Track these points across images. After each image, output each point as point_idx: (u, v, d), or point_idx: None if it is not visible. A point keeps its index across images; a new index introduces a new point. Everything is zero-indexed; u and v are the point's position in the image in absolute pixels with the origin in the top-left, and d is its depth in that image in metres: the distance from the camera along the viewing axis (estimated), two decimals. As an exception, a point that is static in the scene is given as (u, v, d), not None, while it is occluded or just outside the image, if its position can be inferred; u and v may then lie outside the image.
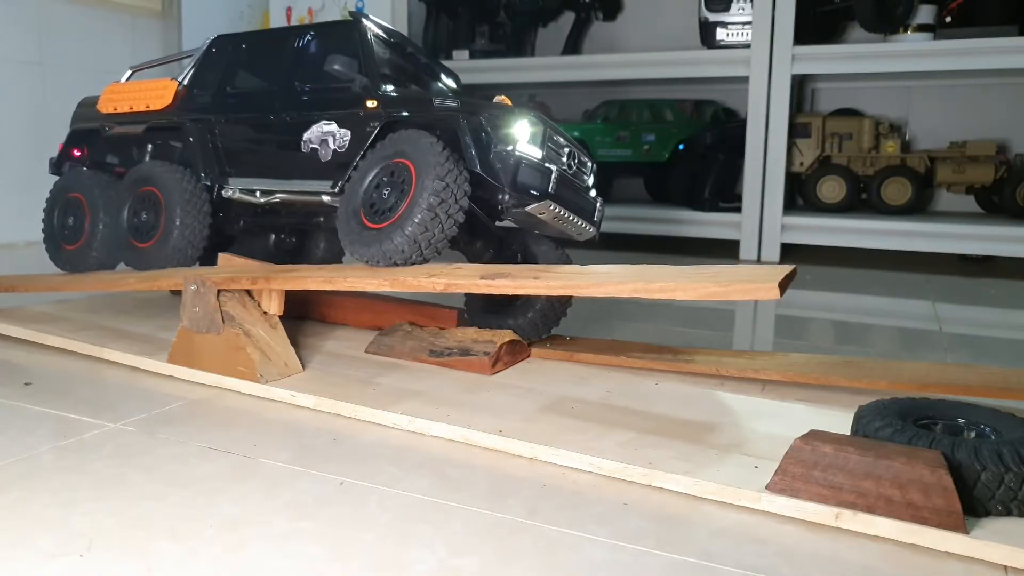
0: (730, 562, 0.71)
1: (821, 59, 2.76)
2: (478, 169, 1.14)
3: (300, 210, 1.39)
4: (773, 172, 2.84)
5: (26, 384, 1.12)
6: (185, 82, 1.49)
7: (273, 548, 0.70)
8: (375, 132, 1.24)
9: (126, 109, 1.52)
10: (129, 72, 1.63)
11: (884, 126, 2.97)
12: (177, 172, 1.38)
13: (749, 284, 0.80)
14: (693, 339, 1.62)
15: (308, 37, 1.38)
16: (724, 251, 2.95)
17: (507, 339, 1.24)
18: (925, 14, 2.71)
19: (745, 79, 2.84)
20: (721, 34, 2.89)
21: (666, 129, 3.14)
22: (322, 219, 1.40)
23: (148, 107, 1.49)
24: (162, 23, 3.08)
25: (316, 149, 1.29)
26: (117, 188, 1.48)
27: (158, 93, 1.49)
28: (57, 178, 1.59)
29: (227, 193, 1.40)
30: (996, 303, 2.22)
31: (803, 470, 0.80)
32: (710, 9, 2.89)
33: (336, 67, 1.25)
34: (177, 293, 1.56)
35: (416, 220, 1.10)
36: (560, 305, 1.34)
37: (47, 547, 0.69)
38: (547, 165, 1.16)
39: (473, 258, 1.35)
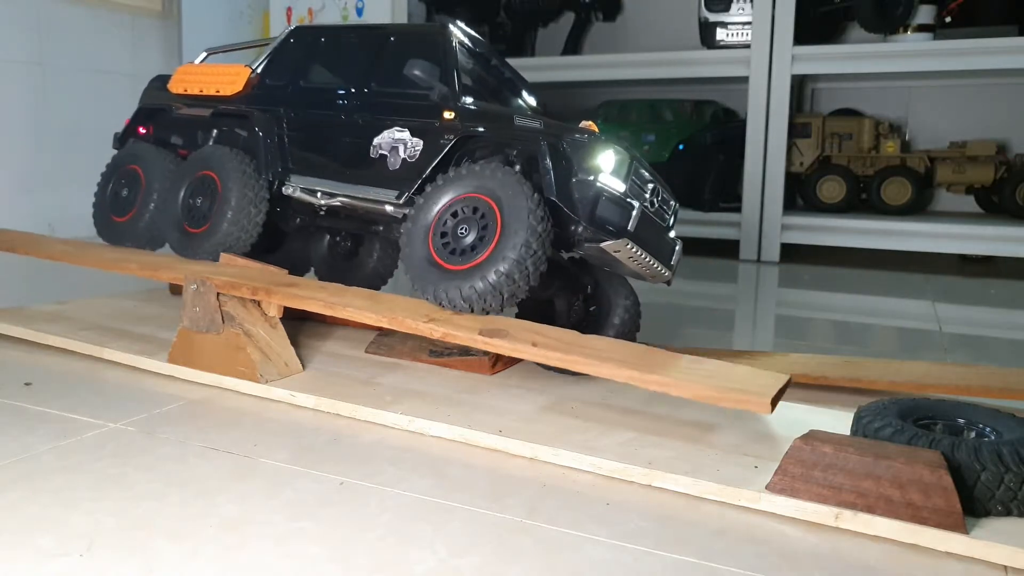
0: (730, 562, 0.71)
1: (821, 59, 2.76)
2: (554, 197, 1.07)
3: (360, 216, 1.33)
4: (773, 172, 2.84)
5: (26, 384, 1.12)
6: (258, 70, 1.43)
7: (273, 548, 0.70)
8: (449, 146, 1.17)
9: (196, 91, 1.47)
10: (204, 54, 1.57)
11: (884, 126, 2.97)
12: (240, 160, 1.34)
13: (742, 395, 0.82)
14: (693, 339, 1.62)
15: (391, 38, 1.32)
16: (724, 251, 2.95)
17: (507, 339, 1.24)
18: (925, 14, 2.71)
19: (745, 79, 2.84)
20: (721, 34, 2.89)
21: (666, 129, 3.14)
22: (381, 228, 1.34)
23: (218, 92, 1.44)
24: (162, 23, 3.08)
25: (385, 156, 1.24)
26: (178, 167, 1.43)
27: (230, 79, 1.43)
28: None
29: (288, 191, 1.34)
30: (996, 303, 2.22)
31: (803, 470, 0.80)
32: (710, 9, 2.89)
33: (416, 72, 1.18)
34: (177, 292, 1.56)
35: (503, 269, 1.03)
36: (633, 328, 1.25)
37: (47, 547, 0.69)
38: (629, 200, 1.09)
39: (539, 288, 1.20)
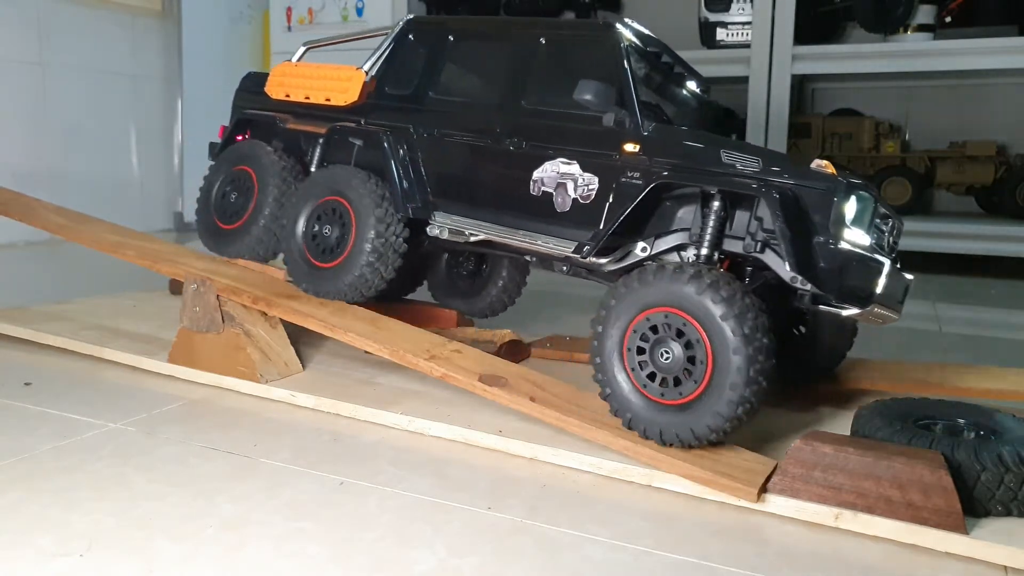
0: (730, 562, 0.71)
1: (821, 59, 2.76)
2: (794, 272, 0.85)
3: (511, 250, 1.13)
4: (773, 172, 2.83)
5: (26, 384, 1.12)
6: (373, 73, 1.23)
7: (273, 548, 0.70)
8: (645, 192, 0.93)
9: (301, 98, 1.28)
10: (303, 49, 1.37)
11: (884, 126, 2.97)
12: (378, 189, 1.15)
13: (731, 482, 0.82)
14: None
15: (541, 40, 1.09)
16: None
17: (507, 339, 1.24)
18: (925, 14, 2.71)
19: (745, 79, 2.84)
20: (721, 34, 2.89)
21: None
22: (533, 259, 1.12)
23: (328, 100, 1.24)
24: (162, 23, 3.08)
25: (550, 194, 1.04)
26: (298, 178, 1.28)
27: (342, 85, 1.23)
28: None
29: (433, 231, 1.13)
30: (996, 303, 2.22)
31: (803, 470, 0.80)
32: (710, 9, 2.89)
33: (587, 97, 0.96)
34: (177, 292, 1.55)
35: (725, 411, 0.82)
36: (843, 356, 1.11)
37: (47, 547, 0.69)
38: (878, 259, 0.89)
39: None
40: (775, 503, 0.80)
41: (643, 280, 0.88)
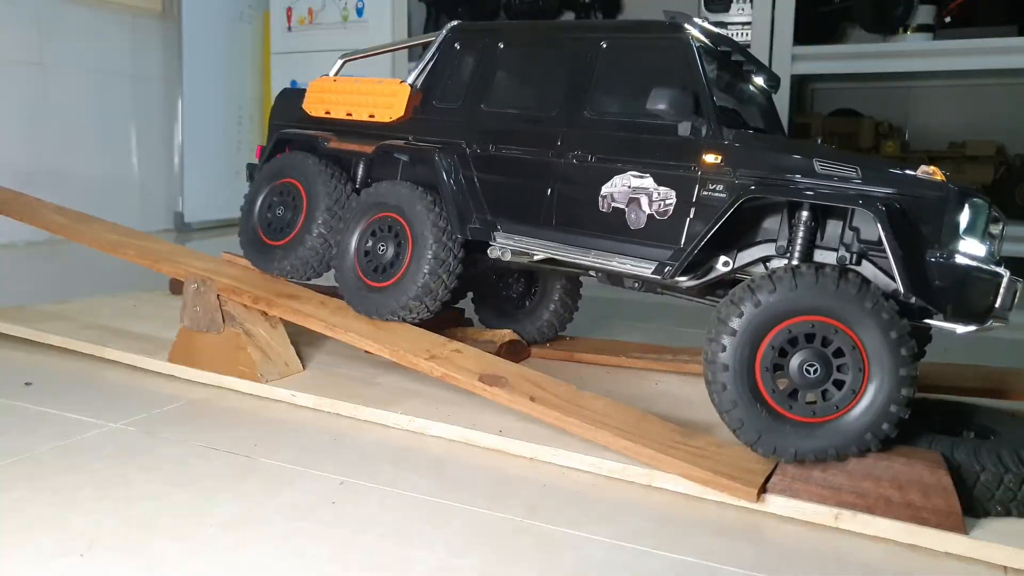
0: (730, 562, 0.71)
1: (821, 59, 2.76)
2: (909, 292, 0.79)
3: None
4: (773, 172, 2.83)
5: (26, 384, 1.12)
6: (418, 86, 1.18)
7: (273, 548, 0.70)
8: (730, 208, 0.88)
9: (343, 115, 1.23)
10: (340, 63, 1.32)
11: (884, 126, 2.97)
12: (434, 207, 1.10)
13: (731, 482, 0.81)
14: (693, 339, 1.62)
15: (603, 44, 1.03)
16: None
17: (507, 339, 1.24)
18: (925, 14, 2.71)
19: (745, 79, 2.84)
20: (721, 34, 2.89)
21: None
22: (600, 275, 1.06)
23: (372, 116, 1.19)
24: (162, 23, 3.08)
25: (621, 210, 0.98)
26: (349, 194, 1.22)
27: (385, 100, 1.18)
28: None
29: (495, 253, 1.07)
30: (996, 303, 2.21)
31: (803, 470, 0.81)
32: (710, 9, 2.88)
33: (662, 107, 0.91)
34: (178, 292, 1.55)
35: (886, 424, 0.78)
36: None
37: (47, 547, 0.69)
38: (996, 271, 0.83)
39: None
40: (775, 503, 0.80)
41: (780, 287, 0.81)
